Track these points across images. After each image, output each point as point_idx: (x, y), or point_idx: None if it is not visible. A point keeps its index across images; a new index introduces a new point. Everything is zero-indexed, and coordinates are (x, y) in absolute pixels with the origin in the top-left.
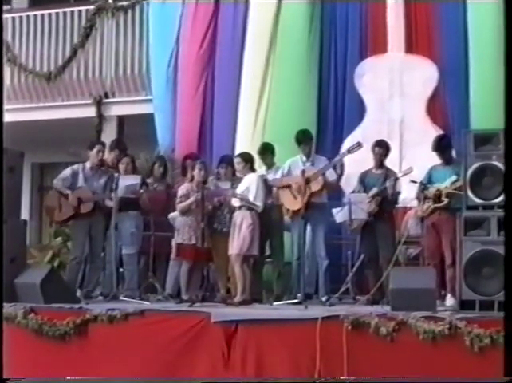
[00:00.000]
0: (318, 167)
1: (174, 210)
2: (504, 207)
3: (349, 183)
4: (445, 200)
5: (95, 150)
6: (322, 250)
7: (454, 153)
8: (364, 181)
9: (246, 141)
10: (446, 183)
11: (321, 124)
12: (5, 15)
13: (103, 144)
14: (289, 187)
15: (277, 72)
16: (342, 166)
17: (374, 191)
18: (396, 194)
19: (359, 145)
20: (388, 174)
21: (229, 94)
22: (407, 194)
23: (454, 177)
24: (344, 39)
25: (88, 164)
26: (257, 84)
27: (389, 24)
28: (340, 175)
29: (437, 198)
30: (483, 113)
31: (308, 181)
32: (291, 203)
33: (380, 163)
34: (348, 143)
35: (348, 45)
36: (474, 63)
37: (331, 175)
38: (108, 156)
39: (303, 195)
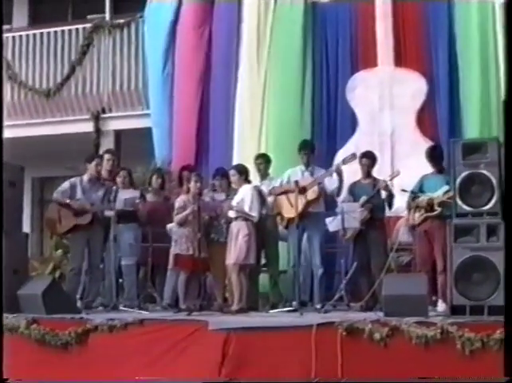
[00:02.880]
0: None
1: (172, 221)
2: (503, 212)
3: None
4: (438, 209)
5: (93, 163)
6: (318, 259)
7: (445, 163)
8: (354, 191)
9: (242, 152)
10: (438, 192)
11: (315, 135)
12: (5, 34)
13: (101, 158)
14: (286, 195)
15: (272, 85)
16: (341, 176)
17: (364, 199)
18: (391, 196)
19: (353, 156)
20: (376, 183)
21: (225, 107)
22: (400, 203)
23: (446, 187)
24: (336, 54)
25: (85, 177)
26: (253, 98)
27: (378, 38)
28: (340, 184)
29: (429, 207)
30: (473, 123)
31: (304, 190)
32: (288, 210)
33: (368, 174)
34: (341, 154)
35: (340, 60)
36: (462, 74)
37: (331, 184)
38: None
39: (300, 202)
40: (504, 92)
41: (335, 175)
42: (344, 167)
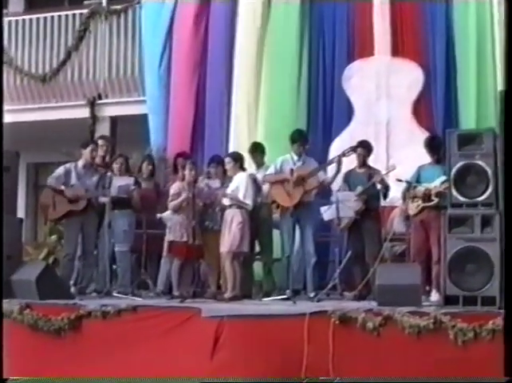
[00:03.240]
0: (309, 166)
1: (162, 208)
2: (504, 205)
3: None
4: (435, 199)
5: (88, 149)
6: (311, 247)
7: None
8: (349, 180)
9: (238, 141)
10: (435, 182)
11: (311, 124)
12: None
13: (96, 143)
14: (282, 183)
15: (268, 74)
16: (340, 166)
17: (360, 189)
18: (386, 188)
19: (353, 149)
20: (371, 172)
21: (221, 94)
22: (395, 193)
23: (443, 177)
24: (332, 43)
25: (80, 163)
26: (249, 86)
27: (376, 27)
28: (336, 174)
29: (427, 197)
30: (469, 114)
31: (302, 179)
32: (284, 199)
33: (363, 163)
34: (337, 143)
35: (336, 49)
36: (459, 65)
37: (322, 174)
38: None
39: (298, 192)
40: (503, 82)
41: (333, 165)
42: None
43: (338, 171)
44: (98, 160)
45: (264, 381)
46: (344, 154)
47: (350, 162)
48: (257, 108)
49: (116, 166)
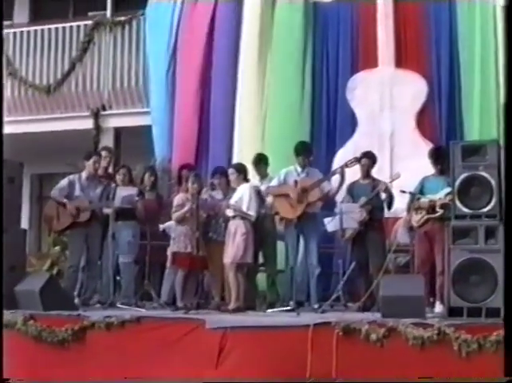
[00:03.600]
0: (313, 178)
1: (165, 219)
2: (505, 214)
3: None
4: (439, 211)
5: (91, 160)
6: (314, 259)
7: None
8: (353, 192)
9: (242, 153)
10: (440, 194)
11: (315, 136)
12: (6, 30)
13: (99, 155)
14: (286, 195)
15: (273, 85)
16: (343, 177)
17: (363, 200)
18: (391, 198)
19: (356, 160)
20: (375, 183)
21: (226, 106)
22: (398, 204)
23: (448, 189)
24: (336, 54)
25: (84, 174)
26: (254, 98)
27: (380, 39)
28: (340, 186)
29: (431, 208)
30: (473, 125)
31: (305, 191)
32: (287, 211)
33: (367, 174)
34: (340, 155)
35: (340, 60)
36: (463, 76)
37: (327, 184)
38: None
39: (300, 204)
40: (504, 95)
41: (336, 176)
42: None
43: (342, 181)
44: (101, 172)
45: (268, 382)
46: (346, 165)
47: (354, 173)
48: (263, 120)
49: (119, 177)
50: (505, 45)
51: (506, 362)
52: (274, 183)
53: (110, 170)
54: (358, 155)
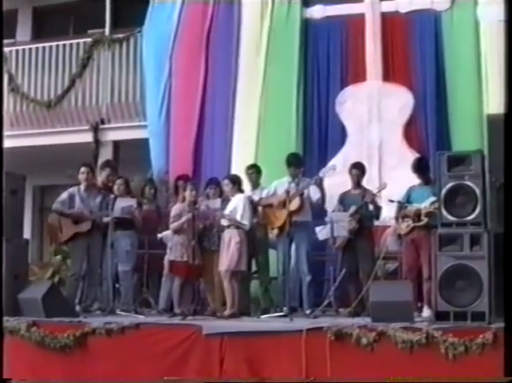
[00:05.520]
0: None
1: (163, 229)
2: (504, 218)
3: (331, 203)
4: (424, 219)
5: (80, 172)
6: (305, 266)
7: (431, 174)
8: (344, 201)
9: (237, 166)
10: (425, 203)
11: (307, 147)
12: (9, 48)
13: (90, 166)
14: (270, 205)
15: (267, 99)
16: (321, 186)
17: (353, 209)
18: (378, 209)
19: (333, 168)
20: (365, 193)
21: (222, 119)
22: (387, 213)
23: (433, 198)
24: (327, 69)
25: (82, 186)
26: (250, 111)
27: (368, 54)
28: (322, 195)
29: (417, 217)
30: (459, 136)
31: (289, 201)
32: (272, 221)
33: (358, 184)
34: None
35: (330, 75)
36: (449, 88)
37: (315, 194)
38: (100, 176)
39: (282, 213)
40: (504, 106)
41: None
42: (332, 179)
43: (322, 190)
44: (101, 182)
45: (266, 381)
46: (322, 173)
47: (342, 183)
48: (258, 132)
49: (115, 187)
50: (505, 58)
51: (506, 362)
52: (264, 193)
53: (105, 181)
54: (348, 165)
